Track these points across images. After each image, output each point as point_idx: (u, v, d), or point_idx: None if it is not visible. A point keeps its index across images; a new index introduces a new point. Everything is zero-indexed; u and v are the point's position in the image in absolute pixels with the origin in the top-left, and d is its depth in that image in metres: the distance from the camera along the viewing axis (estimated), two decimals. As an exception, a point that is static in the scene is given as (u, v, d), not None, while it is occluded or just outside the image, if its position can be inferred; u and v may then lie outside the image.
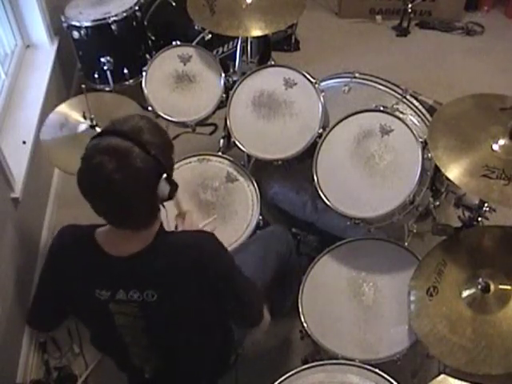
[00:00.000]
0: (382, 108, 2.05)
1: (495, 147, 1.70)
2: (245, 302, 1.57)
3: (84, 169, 1.31)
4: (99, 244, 1.41)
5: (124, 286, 1.41)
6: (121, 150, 1.27)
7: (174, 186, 1.40)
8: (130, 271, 1.40)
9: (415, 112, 2.25)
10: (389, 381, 1.55)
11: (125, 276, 1.41)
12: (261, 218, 2.08)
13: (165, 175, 1.34)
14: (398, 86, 2.31)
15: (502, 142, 1.71)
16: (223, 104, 2.30)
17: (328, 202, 1.97)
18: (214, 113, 2.34)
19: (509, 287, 1.65)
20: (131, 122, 1.34)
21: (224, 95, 2.31)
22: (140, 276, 1.41)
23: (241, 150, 2.17)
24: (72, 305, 1.54)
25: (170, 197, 1.41)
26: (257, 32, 2.27)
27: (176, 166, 2.14)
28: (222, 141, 2.52)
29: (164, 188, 1.36)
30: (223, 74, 2.34)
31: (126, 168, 1.26)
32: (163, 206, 1.43)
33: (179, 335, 1.54)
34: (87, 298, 1.45)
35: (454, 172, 1.68)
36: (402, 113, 2.17)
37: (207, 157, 2.23)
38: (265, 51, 3.12)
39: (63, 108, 2.20)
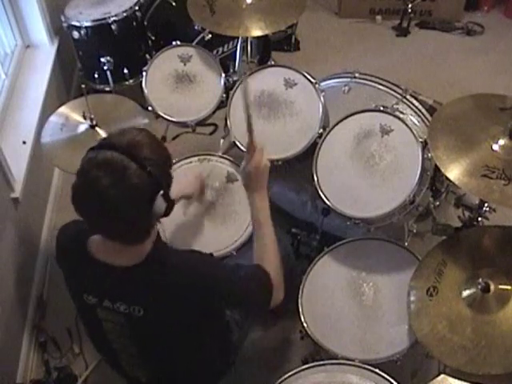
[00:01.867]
0: (381, 108, 2.05)
1: (495, 147, 1.70)
2: (248, 302, 1.57)
3: (79, 184, 1.29)
4: (90, 251, 1.41)
5: (110, 296, 1.41)
6: (116, 165, 1.25)
7: (170, 203, 1.37)
8: (119, 284, 1.40)
9: (415, 112, 2.25)
10: (389, 381, 1.55)
11: (113, 287, 1.41)
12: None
13: (161, 192, 1.31)
14: (398, 86, 2.31)
15: (502, 142, 1.71)
16: (223, 104, 2.30)
17: (328, 202, 1.97)
18: (214, 113, 2.34)
19: (509, 287, 1.65)
20: (129, 136, 1.31)
21: (224, 95, 2.31)
22: (128, 291, 1.40)
23: (241, 150, 2.17)
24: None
25: (166, 214, 1.38)
26: (257, 32, 2.27)
27: (176, 165, 2.17)
28: (222, 141, 2.52)
29: (160, 205, 1.33)
30: (223, 74, 2.34)
31: (121, 184, 1.24)
32: (159, 222, 1.41)
33: (169, 346, 1.51)
34: (78, 298, 1.46)
35: (453, 172, 1.68)
36: (402, 113, 2.17)
37: (207, 157, 2.22)
38: (265, 51, 3.12)
39: (63, 109, 2.21)
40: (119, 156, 1.25)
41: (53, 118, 2.18)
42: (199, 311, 1.44)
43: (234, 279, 1.50)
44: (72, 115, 2.17)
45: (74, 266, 1.45)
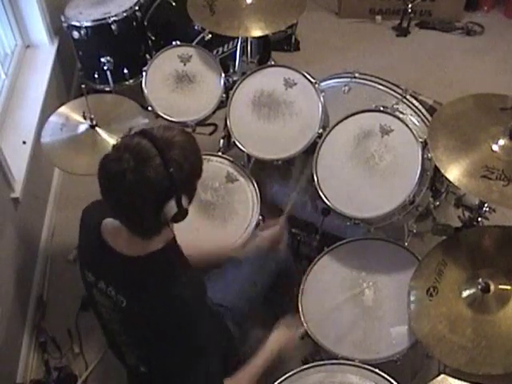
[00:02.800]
0: (381, 108, 2.05)
1: (495, 148, 1.71)
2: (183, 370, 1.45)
3: (108, 156, 1.31)
4: (101, 232, 1.43)
5: (105, 279, 1.43)
6: (143, 154, 1.26)
7: (182, 212, 1.34)
8: (115, 269, 1.41)
9: (415, 112, 2.25)
10: (389, 381, 1.55)
11: (109, 270, 1.43)
12: (261, 218, 2.08)
13: (175, 198, 1.30)
14: (398, 86, 2.31)
15: (501, 142, 1.71)
16: (223, 104, 2.30)
17: (328, 202, 1.97)
18: (213, 113, 2.34)
19: (509, 287, 1.65)
20: (170, 133, 1.32)
21: (224, 95, 2.31)
22: (120, 279, 1.41)
23: (241, 149, 2.17)
24: None
25: (175, 221, 1.36)
26: (257, 32, 2.28)
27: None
28: (222, 141, 2.52)
29: (170, 209, 1.31)
30: (223, 74, 2.34)
31: (140, 173, 1.25)
32: (169, 226, 1.38)
33: (158, 342, 1.46)
34: (82, 273, 1.50)
35: (453, 172, 1.68)
36: (401, 113, 2.17)
37: (207, 157, 2.22)
38: (265, 51, 3.12)
39: (63, 109, 2.21)
40: (150, 147, 1.27)
41: (53, 118, 2.18)
42: (170, 330, 1.41)
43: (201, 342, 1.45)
44: (72, 115, 2.17)
45: (86, 241, 1.50)
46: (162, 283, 1.38)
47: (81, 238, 1.53)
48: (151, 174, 1.26)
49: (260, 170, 2.30)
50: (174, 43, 2.41)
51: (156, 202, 1.30)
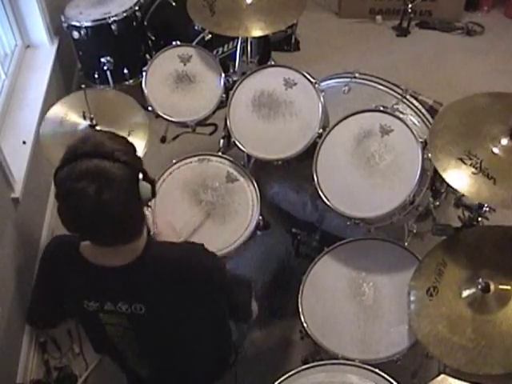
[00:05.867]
0: (381, 108, 2.05)
1: (495, 150, 1.69)
2: (236, 306, 1.62)
3: (67, 205, 1.28)
4: (85, 256, 1.40)
5: (112, 298, 1.41)
6: (94, 170, 1.24)
7: (153, 183, 1.38)
8: (118, 284, 1.39)
9: (415, 112, 2.25)
10: (389, 381, 1.55)
11: (112, 288, 1.41)
12: (261, 218, 2.08)
13: (141, 175, 1.32)
14: (397, 86, 2.30)
15: (504, 142, 1.69)
16: (223, 104, 2.30)
17: (328, 202, 1.97)
18: (213, 113, 2.33)
19: (509, 287, 1.65)
20: (90, 140, 1.31)
21: (224, 95, 2.31)
22: (128, 289, 1.40)
23: (241, 150, 2.17)
24: (67, 310, 1.55)
25: (153, 195, 1.39)
26: (257, 32, 2.27)
27: (176, 166, 2.18)
28: (221, 141, 2.52)
29: (145, 188, 1.34)
30: (223, 74, 2.34)
31: (108, 184, 1.25)
32: (149, 206, 1.41)
33: (172, 342, 1.54)
34: (77, 308, 1.46)
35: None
36: (402, 113, 2.17)
37: (207, 157, 2.22)
38: (265, 51, 3.12)
39: (63, 106, 2.18)
40: (91, 161, 1.25)
41: (52, 113, 2.15)
42: (196, 301, 1.45)
43: (225, 272, 1.55)
44: (71, 114, 2.15)
45: (70, 275, 1.44)
46: (167, 269, 1.40)
47: (63, 275, 1.45)
48: (116, 177, 1.26)
49: (260, 170, 2.30)
50: (174, 43, 2.41)
51: (134, 194, 1.31)
